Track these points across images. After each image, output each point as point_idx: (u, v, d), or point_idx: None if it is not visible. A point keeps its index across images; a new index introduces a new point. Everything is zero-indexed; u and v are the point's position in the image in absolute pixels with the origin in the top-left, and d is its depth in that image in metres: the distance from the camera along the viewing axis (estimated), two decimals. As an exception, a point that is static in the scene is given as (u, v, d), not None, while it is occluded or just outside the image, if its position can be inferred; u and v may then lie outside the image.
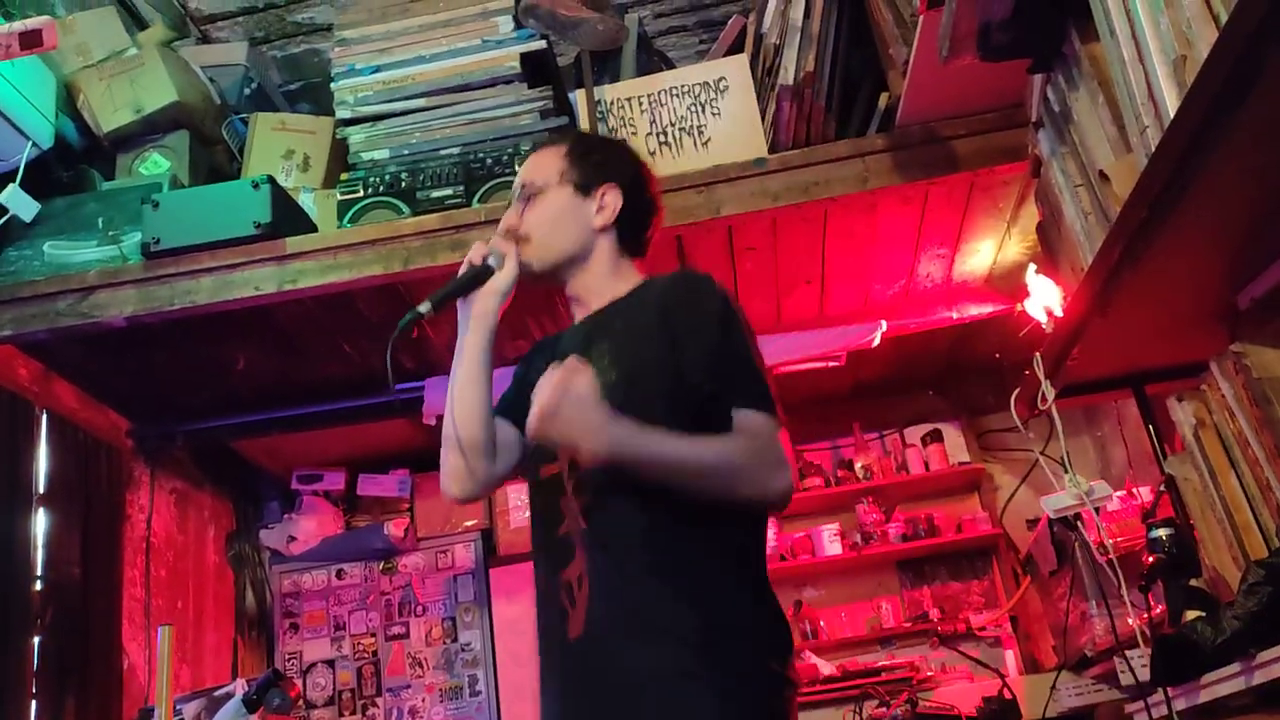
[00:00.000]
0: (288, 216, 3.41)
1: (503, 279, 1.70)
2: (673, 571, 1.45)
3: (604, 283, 1.75)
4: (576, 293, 1.78)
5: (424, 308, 1.65)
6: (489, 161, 3.42)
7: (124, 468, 4.03)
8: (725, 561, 1.49)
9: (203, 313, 3.36)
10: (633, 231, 1.80)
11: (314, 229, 3.54)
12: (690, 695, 1.36)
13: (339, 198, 3.45)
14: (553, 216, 1.74)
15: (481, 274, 1.68)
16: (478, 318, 1.68)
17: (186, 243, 3.31)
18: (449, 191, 3.41)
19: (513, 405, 1.73)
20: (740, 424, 1.49)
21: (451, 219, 3.31)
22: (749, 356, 1.60)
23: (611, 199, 1.77)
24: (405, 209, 3.39)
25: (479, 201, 3.37)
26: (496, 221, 3.21)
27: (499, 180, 3.39)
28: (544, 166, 1.79)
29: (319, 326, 3.67)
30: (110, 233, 3.40)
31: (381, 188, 3.43)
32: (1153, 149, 1.74)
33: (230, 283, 3.32)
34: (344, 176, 3.49)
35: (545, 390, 1.40)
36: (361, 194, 3.43)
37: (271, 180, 3.37)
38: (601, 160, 1.81)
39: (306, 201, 3.71)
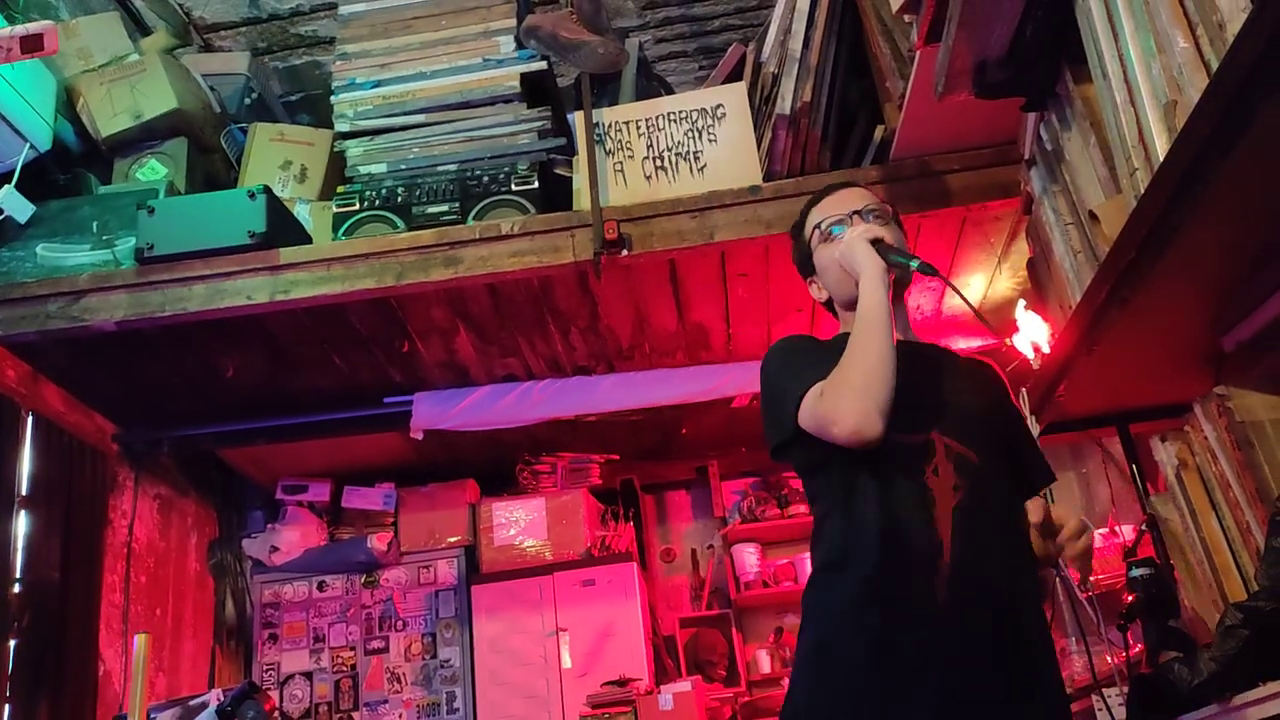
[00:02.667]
0: (283, 227, 3.42)
1: (911, 266, 1.76)
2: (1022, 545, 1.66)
3: (903, 320, 1.87)
4: (894, 314, 1.79)
5: (922, 264, 1.74)
6: (485, 179, 3.44)
7: (108, 472, 4.01)
8: None
9: (194, 320, 3.36)
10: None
11: (309, 240, 3.55)
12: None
13: (335, 210, 3.46)
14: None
15: (911, 256, 1.76)
16: (885, 285, 1.71)
17: (180, 249, 3.31)
18: (444, 208, 3.42)
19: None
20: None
21: (446, 235, 3.32)
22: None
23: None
24: (400, 224, 3.40)
25: (474, 219, 3.38)
26: (490, 239, 3.27)
27: (495, 198, 3.41)
28: (885, 202, 1.90)
29: (310, 337, 3.66)
30: (104, 237, 3.40)
31: (377, 201, 3.44)
32: (1142, 191, 1.76)
33: (222, 291, 3.32)
34: (340, 189, 3.50)
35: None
36: (357, 207, 3.44)
37: (268, 190, 3.38)
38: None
39: (302, 213, 3.72)
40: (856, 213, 1.82)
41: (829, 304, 1.93)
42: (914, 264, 1.73)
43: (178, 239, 3.32)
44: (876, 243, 1.74)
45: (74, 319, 3.31)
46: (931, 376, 1.73)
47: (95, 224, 3.44)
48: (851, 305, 1.75)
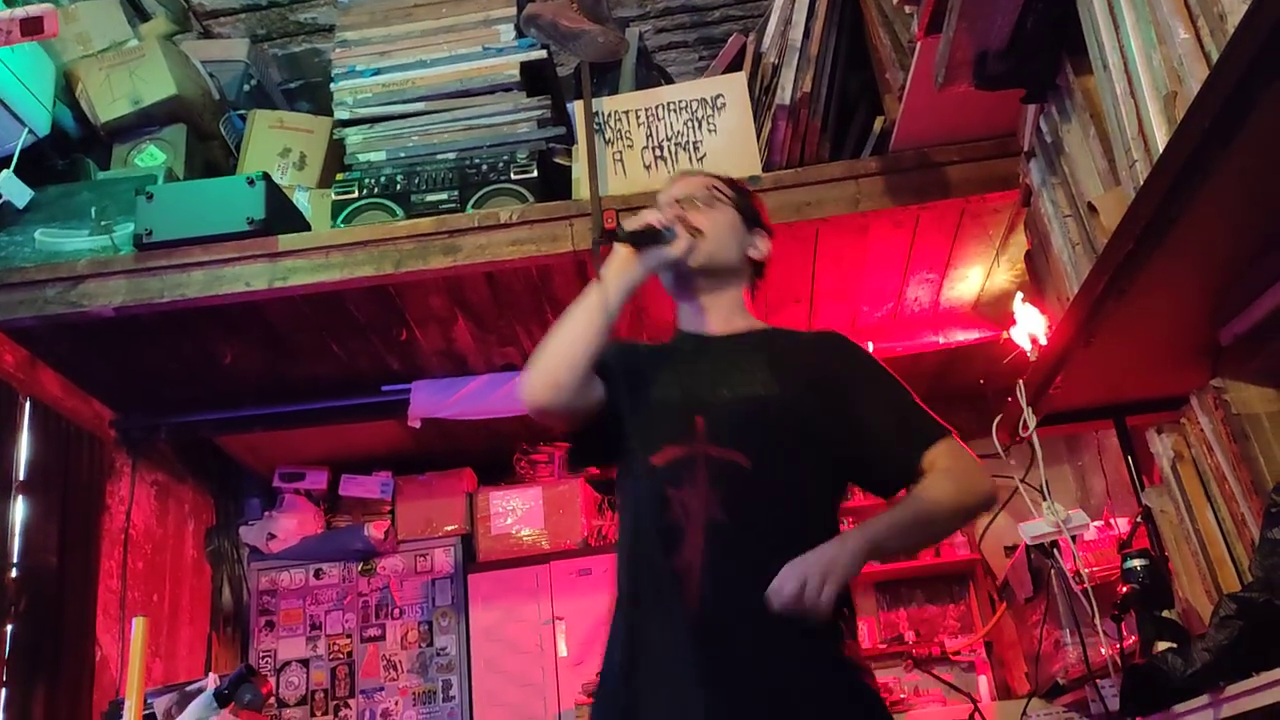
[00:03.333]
0: (282, 214, 3.42)
1: (673, 251, 1.73)
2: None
3: (733, 309, 1.84)
4: (706, 305, 1.83)
5: (620, 234, 1.71)
6: (484, 168, 3.44)
7: (106, 458, 4.01)
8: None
9: (192, 306, 3.36)
10: (757, 282, 1.94)
11: (307, 228, 3.55)
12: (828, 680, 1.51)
13: (334, 197, 3.45)
14: (728, 227, 1.82)
15: (662, 237, 1.73)
16: (632, 268, 1.70)
17: (179, 236, 3.31)
18: (443, 196, 3.42)
19: (608, 367, 1.73)
20: (933, 460, 1.66)
21: (445, 223, 3.32)
22: (913, 399, 1.76)
23: (763, 245, 1.90)
24: (399, 211, 3.40)
25: (473, 207, 3.38)
26: (489, 227, 3.27)
27: (494, 186, 3.41)
28: (714, 185, 1.87)
29: (308, 325, 3.66)
30: (103, 222, 3.40)
31: (376, 189, 3.44)
32: (1141, 183, 1.77)
33: (221, 278, 3.32)
34: (339, 177, 3.50)
35: (790, 581, 1.45)
36: (356, 195, 3.44)
37: (267, 177, 3.38)
38: (757, 211, 1.92)
39: (301, 200, 3.72)
40: (679, 201, 1.83)
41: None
42: (621, 234, 1.71)
43: (176, 225, 3.32)
44: (641, 232, 1.71)
45: (72, 304, 3.31)
46: (719, 375, 1.70)
47: (94, 209, 3.43)
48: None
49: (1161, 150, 1.67)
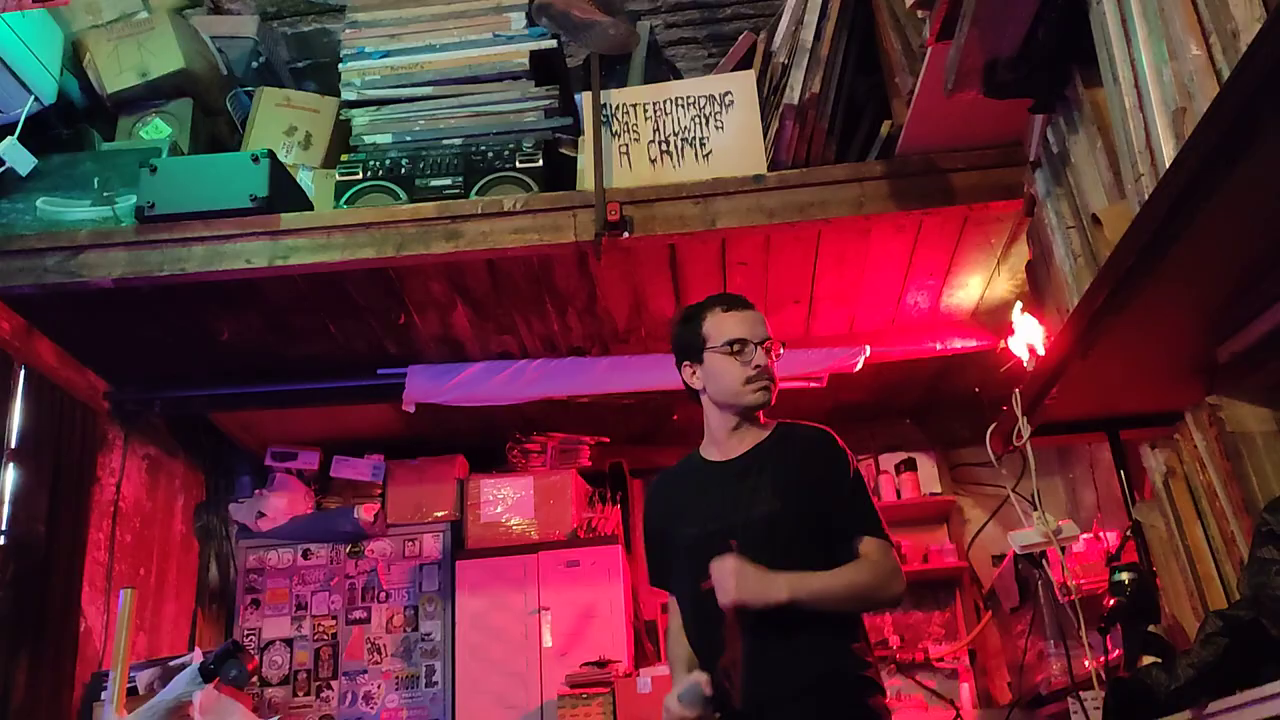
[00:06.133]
0: (285, 192, 3.41)
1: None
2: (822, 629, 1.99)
3: (756, 425, 2.18)
4: (745, 425, 2.17)
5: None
6: (490, 155, 3.43)
7: (98, 430, 4.00)
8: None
9: (192, 281, 3.35)
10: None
11: (310, 207, 3.54)
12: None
13: (338, 178, 3.45)
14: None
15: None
16: None
17: (181, 210, 3.31)
18: (448, 181, 3.42)
19: (664, 567, 2.20)
20: (866, 551, 2.02)
21: (448, 209, 3.31)
22: (867, 497, 2.10)
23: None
24: (402, 195, 3.40)
25: (477, 194, 3.38)
26: (492, 214, 3.27)
27: (498, 174, 3.40)
28: (767, 327, 2.20)
29: (306, 305, 3.66)
30: (105, 193, 3.39)
31: (381, 172, 3.44)
32: (1146, 197, 1.77)
33: (221, 253, 3.31)
34: (344, 158, 3.49)
35: (727, 578, 1.89)
36: (360, 176, 3.43)
37: (272, 155, 3.37)
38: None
39: (305, 179, 3.71)
40: (761, 344, 2.13)
41: (697, 391, 2.21)
42: None
43: (179, 199, 3.31)
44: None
45: (71, 274, 3.30)
46: (739, 491, 2.05)
47: (96, 180, 3.42)
48: (723, 407, 2.15)
49: (1168, 165, 1.67)
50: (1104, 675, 2.37)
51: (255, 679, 4.52)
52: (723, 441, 2.15)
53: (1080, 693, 2.68)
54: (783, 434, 2.16)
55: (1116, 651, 2.38)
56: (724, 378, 2.12)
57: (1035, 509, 2.58)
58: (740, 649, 1.90)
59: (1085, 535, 3.14)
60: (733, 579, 1.89)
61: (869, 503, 2.10)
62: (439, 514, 4.75)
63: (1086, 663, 2.55)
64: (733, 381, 2.11)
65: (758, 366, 2.09)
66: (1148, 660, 2.12)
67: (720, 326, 2.13)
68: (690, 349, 2.17)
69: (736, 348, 2.09)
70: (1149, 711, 1.99)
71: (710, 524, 2.05)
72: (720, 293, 2.24)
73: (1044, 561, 2.92)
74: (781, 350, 2.16)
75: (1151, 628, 2.24)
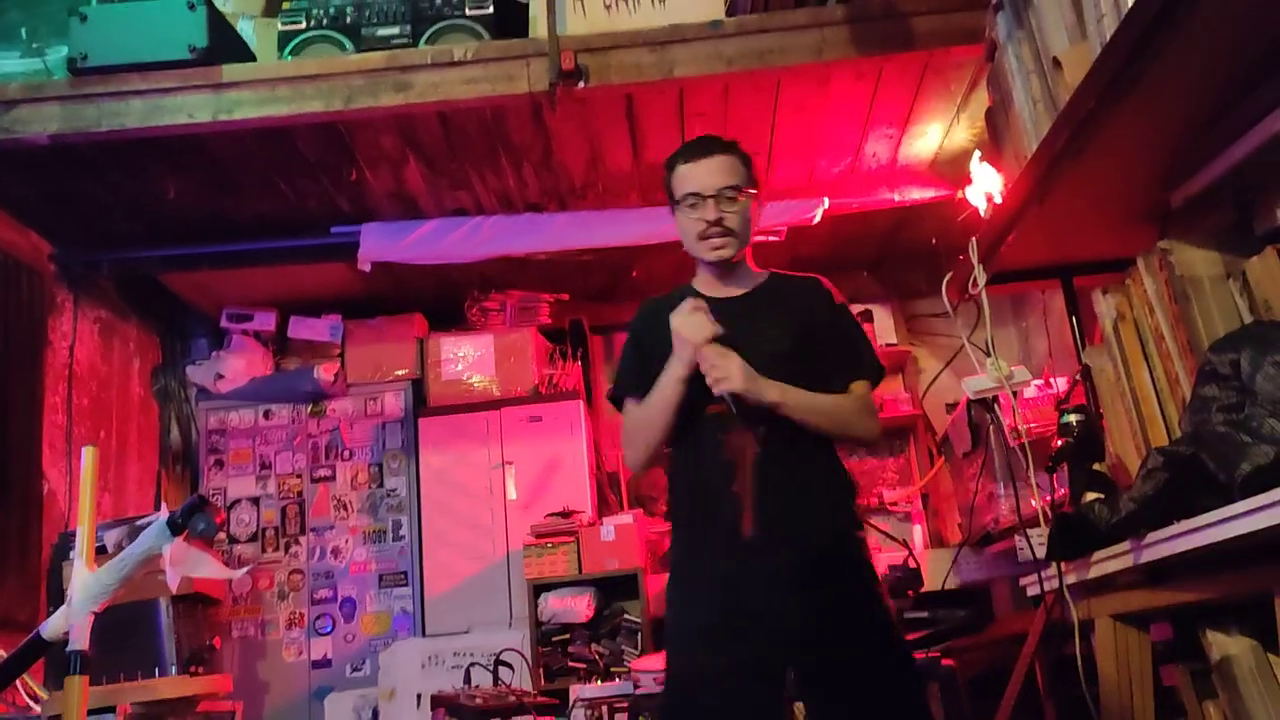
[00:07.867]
0: (225, 43, 3.28)
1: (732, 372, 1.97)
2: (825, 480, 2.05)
3: (743, 271, 2.15)
4: (725, 275, 2.13)
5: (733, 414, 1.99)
6: (438, 1, 3.31)
7: (46, 292, 3.93)
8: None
9: (132, 137, 3.25)
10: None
11: (252, 58, 3.42)
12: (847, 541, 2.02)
13: (280, 28, 3.32)
14: (744, 219, 2.10)
15: (725, 339, 1.98)
16: (691, 361, 1.99)
17: (116, 61, 3.18)
18: (395, 30, 3.31)
19: (636, 379, 2.17)
20: (855, 389, 2.09)
21: (397, 59, 3.21)
22: (868, 342, 2.19)
23: (760, 208, 2.20)
24: (349, 45, 3.28)
25: (426, 43, 3.27)
26: (442, 64, 3.17)
27: (448, 22, 3.29)
28: (731, 171, 2.09)
29: (255, 163, 3.56)
30: (34, 44, 3.25)
31: (325, 21, 3.31)
32: (1108, 38, 1.74)
33: (162, 108, 3.20)
34: (286, 5, 3.36)
35: (732, 366, 1.94)
36: (304, 26, 3.31)
37: (209, 1, 3.22)
38: (755, 176, 2.16)
39: (245, 29, 3.56)
40: (713, 197, 2.05)
41: None
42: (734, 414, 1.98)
43: (113, 50, 3.18)
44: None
45: (4, 131, 3.18)
46: (747, 331, 2.02)
47: (24, 30, 3.28)
48: (698, 261, 2.13)
49: (1131, 4, 1.64)
50: (1050, 513, 2.46)
51: (224, 536, 4.58)
52: (715, 284, 2.14)
53: (1027, 530, 2.78)
54: (778, 281, 2.18)
55: (1062, 490, 2.46)
56: (686, 235, 2.11)
57: (989, 355, 2.62)
58: (750, 481, 1.96)
59: (1036, 382, 3.21)
60: (737, 367, 1.94)
61: (869, 347, 2.18)
62: (399, 373, 4.76)
63: (1034, 502, 2.63)
64: (690, 238, 2.10)
65: (706, 221, 2.05)
66: (1091, 497, 2.20)
67: (679, 181, 2.10)
68: (670, 204, 2.16)
69: (691, 202, 2.07)
70: (1091, 543, 2.08)
71: None
72: (689, 141, 2.17)
73: (996, 406, 2.98)
74: (747, 194, 2.09)
75: (1096, 466, 2.31)
